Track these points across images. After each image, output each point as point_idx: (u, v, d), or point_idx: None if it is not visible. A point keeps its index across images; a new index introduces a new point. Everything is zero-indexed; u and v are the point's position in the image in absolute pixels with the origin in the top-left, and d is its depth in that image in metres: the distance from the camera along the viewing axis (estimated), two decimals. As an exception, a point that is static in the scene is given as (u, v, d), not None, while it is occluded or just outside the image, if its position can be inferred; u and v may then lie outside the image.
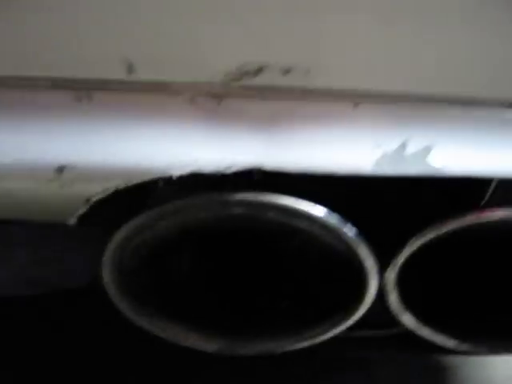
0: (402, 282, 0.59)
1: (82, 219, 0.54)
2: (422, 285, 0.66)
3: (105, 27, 0.50)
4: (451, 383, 1.53)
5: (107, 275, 0.55)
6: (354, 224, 0.54)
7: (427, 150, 0.52)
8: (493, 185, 0.60)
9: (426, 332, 0.62)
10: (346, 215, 0.54)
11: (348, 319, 0.57)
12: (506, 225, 0.60)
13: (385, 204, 0.62)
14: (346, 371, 1.55)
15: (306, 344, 0.58)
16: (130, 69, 0.50)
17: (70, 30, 0.50)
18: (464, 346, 0.62)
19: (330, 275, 0.60)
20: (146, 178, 0.50)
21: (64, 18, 0.49)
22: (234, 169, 0.50)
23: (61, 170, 0.50)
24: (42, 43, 0.50)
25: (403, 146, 0.51)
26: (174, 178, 0.50)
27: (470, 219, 0.56)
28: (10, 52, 0.50)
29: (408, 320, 0.61)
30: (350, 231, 0.53)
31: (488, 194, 0.61)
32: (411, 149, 0.52)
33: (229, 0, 0.48)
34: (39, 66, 0.51)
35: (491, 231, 0.63)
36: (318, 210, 0.52)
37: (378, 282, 0.55)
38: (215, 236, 0.61)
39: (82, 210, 0.52)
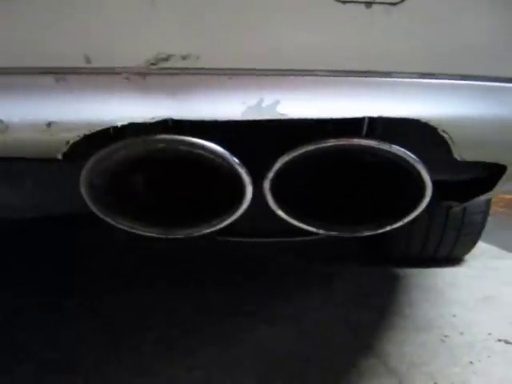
0: (280, 188, 0.91)
1: (66, 155, 0.86)
2: (298, 189, 0.98)
3: (72, 35, 0.81)
4: (403, 291, 1.88)
5: (83, 189, 0.88)
6: (240, 152, 0.86)
7: (276, 103, 0.83)
8: (364, 122, 0.91)
9: (295, 222, 0.94)
10: (236, 148, 0.86)
11: (236, 213, 0.89)
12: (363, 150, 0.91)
13: (264, 137, 0.93)
14: (312, 284, 1.90)
15: (213, 229, 0.92)
16: (88, 60, 0.81)
17: (53, 37, 0.81)
18: (320, 231, 0.95)
19: (224, 186, 0.93)
20: (101, 127, 0.82)
21: (48, 29, 0.80)
22: (155, 119, 0.82)
23: (49, 124, 0.82)
24: (35, 45, 0.81)
25: (261, 101, 0.83)
26: (119, 126, 0.82)
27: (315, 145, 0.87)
28: (13, 49, 0.81)
29: (282, 215, 0.93)
30: (231, 156, 0.85)
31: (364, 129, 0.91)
32: (266, 103, 0.83)
33: (149, 18, 0.79)
34: (34, 60, 0.82)
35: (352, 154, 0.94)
36: (209, 143, 0.84)
37: (253, 188, 0.87)
38: (156, 162, 0.93)
39: (65, 149, 0.84)
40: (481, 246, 2.15)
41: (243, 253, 2.19)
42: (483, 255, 2.21)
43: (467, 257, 2.14)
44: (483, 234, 2.03)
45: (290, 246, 2.14)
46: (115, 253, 2.28)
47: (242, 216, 0.91)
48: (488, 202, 1.93)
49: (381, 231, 0.95)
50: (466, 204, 1.64)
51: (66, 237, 2.46)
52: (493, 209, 2.05)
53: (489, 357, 1.41)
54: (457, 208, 1.81)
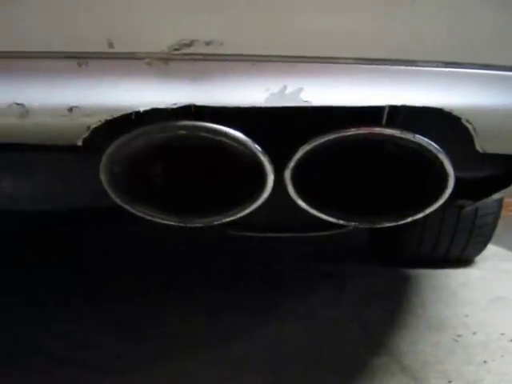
0: (300, 178, 0.90)
1: (86, 142, 0.85)
2: (318, 178, 0.97)
3: (95, 20, 0.80)
4: (415, 291, 1.87)
5: (103, 176, 0.87)
6: (261, 140, 0.85)
7: (300, 90, 0.82)
8: (385, 111, 0.89)
9: (315, 212, 0.93)
10: (257, 136, 0.85)
11: (257, 201, 0.88)
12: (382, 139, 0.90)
13: (285, 126, 0.92)
14: (321, 282, 1.89)
15: (232, 218, 0.91)
16: (111, 45, 0.80)
17: (76, 21, 0.80)
18: (340, 222, 0.94)
19: (244, 175, 0.92)
20: (123, 112, 0.81)
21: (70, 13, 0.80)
22: (177, 105, 0.81)
23: (71, 109, 0.81)
24: (58, 29, 0.80)
25: (284, 88, 0.82)
26: (141, 111, 0.81)
27: (336, 134, 0.86)
28: (35, 33, 0.81)
29: (303, 205, 0.92)
30: (253, 144, 0.84)
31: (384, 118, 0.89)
32: (289, 90, 0.82)
33: (173, 3, 0.79)
34: (56, 45, 0.81)
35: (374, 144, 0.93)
36: (232, 130, 0.83)
37: (275, 177, 0.86)
38: (176, 149, 0.92)
39: (85, 135, 0.84)
40: (491, 248, 2.15)
41: (262, 245, 2.18)
42: (493, 257, 2.20)
43: (477, 259, 2.13)
44: (493, 237, 2.02)
45: (305, 239, 2.13)
46: (128, 246, 2.28)
47: (257, 208, 0.91)
48: (499, 204, 1.92)
49: (401, 222, 0.94)
50: (477, 204, 1.63)
51: (76, 234, 2.45)
52: (502, 212, 2.04)
53: (502, 356, 1.41)
54: (468, 208, 1.79)
